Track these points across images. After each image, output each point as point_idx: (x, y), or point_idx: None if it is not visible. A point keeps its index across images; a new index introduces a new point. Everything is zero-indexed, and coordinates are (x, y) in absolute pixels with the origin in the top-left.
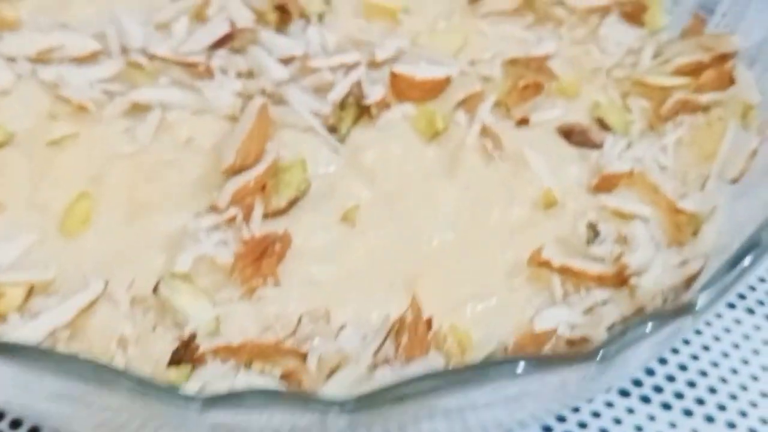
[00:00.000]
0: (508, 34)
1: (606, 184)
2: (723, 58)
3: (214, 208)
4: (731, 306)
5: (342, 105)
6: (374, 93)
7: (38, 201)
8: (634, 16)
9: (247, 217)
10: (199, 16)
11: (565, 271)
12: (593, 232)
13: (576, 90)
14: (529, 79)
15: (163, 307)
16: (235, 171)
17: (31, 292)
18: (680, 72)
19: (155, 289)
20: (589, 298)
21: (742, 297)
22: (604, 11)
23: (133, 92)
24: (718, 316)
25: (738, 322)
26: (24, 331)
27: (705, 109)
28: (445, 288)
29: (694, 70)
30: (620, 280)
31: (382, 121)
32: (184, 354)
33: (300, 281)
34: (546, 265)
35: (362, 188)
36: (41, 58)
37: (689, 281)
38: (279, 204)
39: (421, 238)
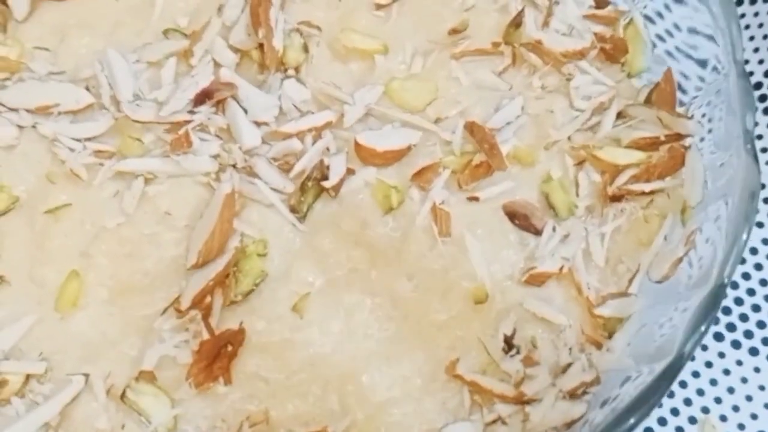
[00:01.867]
0: (481, 81)
1: (535, 280)
2: (678, 137)
3: (177, 308)
4: None
5: (303, 187)
6: (336, 168)
7: (37, 276)
8: (614, 56)
9: (206, 317)
10: (186, 56)
11: (474, 385)
12: (508, 345)
13: (532, 158)
14: (483, 158)
15: (130, 407)
16: (199, 267)
17: (28, 378)
18: (635, 145)
19: (122, 396)
20: (491, 414)
21: None
22: (580, 55)
23: (120, 163)
24: None
25: None
26: (23, 423)
27: (649, 193)
28: (371, 391)
29: (650, 145)
30: (519, 402)
31: (343, 192)
32: None
33: (249, 377)
34: (459, 378)
35: (316, 274)
36: (40, 111)
37: (570, 424)
38: (236, 297)
39: (360, 334)
